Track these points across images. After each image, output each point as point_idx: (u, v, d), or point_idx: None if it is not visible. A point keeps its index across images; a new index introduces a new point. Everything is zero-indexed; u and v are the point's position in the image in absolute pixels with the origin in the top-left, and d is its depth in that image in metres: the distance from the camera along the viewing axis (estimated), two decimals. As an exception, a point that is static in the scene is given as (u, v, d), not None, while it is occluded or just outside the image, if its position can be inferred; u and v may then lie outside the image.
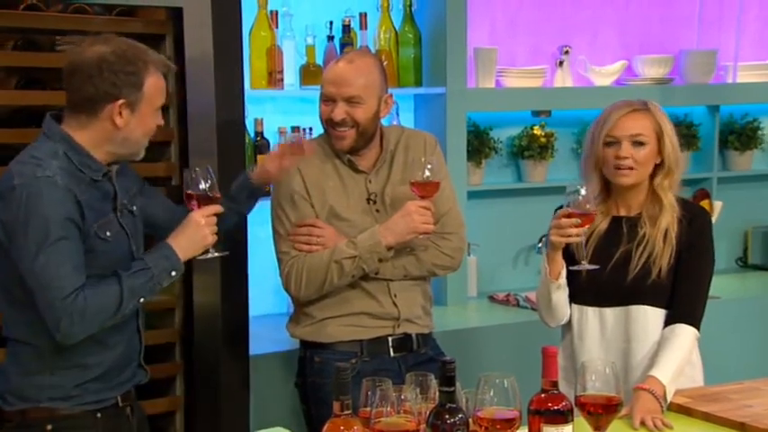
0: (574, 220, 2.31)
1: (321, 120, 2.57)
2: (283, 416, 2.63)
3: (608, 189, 2.50)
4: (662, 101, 4.04)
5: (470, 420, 1.80)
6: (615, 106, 2.47)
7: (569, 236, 2.33)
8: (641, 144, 2.41)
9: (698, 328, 2.42)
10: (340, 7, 3.55)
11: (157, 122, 2.20)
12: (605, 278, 2.43)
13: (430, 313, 2.70)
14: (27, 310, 2.09)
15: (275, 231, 2.59)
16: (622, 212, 2.49)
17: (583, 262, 2.38)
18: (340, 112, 2.50)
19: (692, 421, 2.26)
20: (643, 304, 2.43)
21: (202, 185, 2.16)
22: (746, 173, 4.42)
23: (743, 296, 4.05)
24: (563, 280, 2.43)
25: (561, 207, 2.52)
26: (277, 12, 3.46)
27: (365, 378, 1.91)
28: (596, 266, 2.38)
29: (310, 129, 3.49)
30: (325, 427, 1.71)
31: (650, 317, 2.43)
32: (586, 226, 2.34)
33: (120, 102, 2.11)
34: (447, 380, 1.75)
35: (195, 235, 2.11)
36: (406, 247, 2.56)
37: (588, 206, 2.33)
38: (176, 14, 2.70)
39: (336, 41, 3.52)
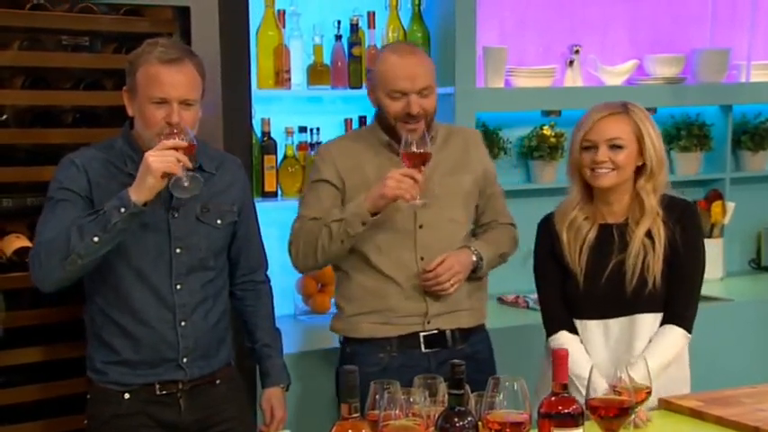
0: None
1: (388, 116, 2.55)
2: (290, 417, 2.61)
3: (591, 194, 2.44)
4: (673, 101, 4.04)
5: (480, 423, 1.78)
6: (594, 109, 2.41)
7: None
8: (619, 147, 2.35)
9: (688, 329, 2.38)
10: (348, 6, 3.54)
11: (158, 116, 2.20)
12: (602, 291, 2.39)
13: (474, 308, 2.73)
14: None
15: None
16: (610, 219, 2.43)
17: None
18: (416, 105, 2.52)
19: (705, 425, 2.23)
20: (645, 312, 2.38)
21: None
22: (760, 173, 4.37)
23: (756, 298, 3.98)
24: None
25: (547, 217, 2.49)
26: (284, 11, 3.44)
27: (373, 381, 1.88)
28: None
29: (317, 129, 3.48)
30: (333, 430, 1.69)
31: (654, 324, 2.38)
32: None
33: (125, 87, 2.26)
34: (456, 382, 1.73)
35: (142, 167, 2.13)
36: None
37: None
38: (183, 13, 2.69)
39: (344, 41, 3.50)
